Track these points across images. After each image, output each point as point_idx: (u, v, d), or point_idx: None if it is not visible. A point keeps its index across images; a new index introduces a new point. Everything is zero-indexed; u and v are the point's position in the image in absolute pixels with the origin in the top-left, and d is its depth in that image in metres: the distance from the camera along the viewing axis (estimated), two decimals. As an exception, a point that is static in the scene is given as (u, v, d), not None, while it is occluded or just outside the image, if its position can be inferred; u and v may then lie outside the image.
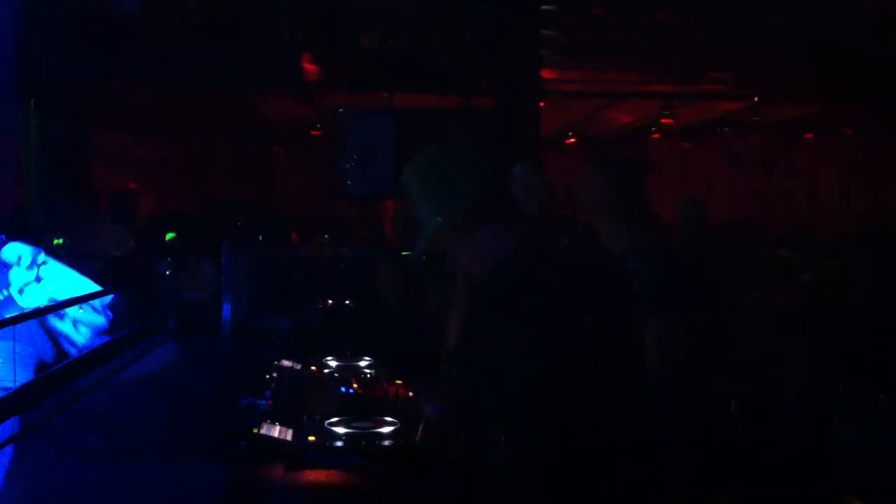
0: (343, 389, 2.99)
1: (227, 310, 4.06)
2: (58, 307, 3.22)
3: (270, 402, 2.83)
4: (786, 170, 12.05)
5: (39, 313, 2.97)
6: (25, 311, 2.93)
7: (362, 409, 2.71)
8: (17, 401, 1.90)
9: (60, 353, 3.15)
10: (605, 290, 2.11)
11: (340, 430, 2.52)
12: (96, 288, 3.19)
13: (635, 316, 2.37)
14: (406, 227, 7.80)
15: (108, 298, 3.19)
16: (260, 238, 7.11)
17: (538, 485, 2.10)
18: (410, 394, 2.94)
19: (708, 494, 3.38)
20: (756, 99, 9.46)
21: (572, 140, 11.79)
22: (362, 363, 3.47)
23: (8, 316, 2.75)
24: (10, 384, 3.00)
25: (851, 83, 8.59)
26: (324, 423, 2.57)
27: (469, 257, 2.14)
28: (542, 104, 6.91)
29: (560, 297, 2.05)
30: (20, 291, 3.12)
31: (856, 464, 3.05)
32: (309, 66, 6.96)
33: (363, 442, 2.44)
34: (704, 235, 5.57)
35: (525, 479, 2.12)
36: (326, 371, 3.33)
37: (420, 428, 2.44)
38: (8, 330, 2.65)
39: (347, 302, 5.30)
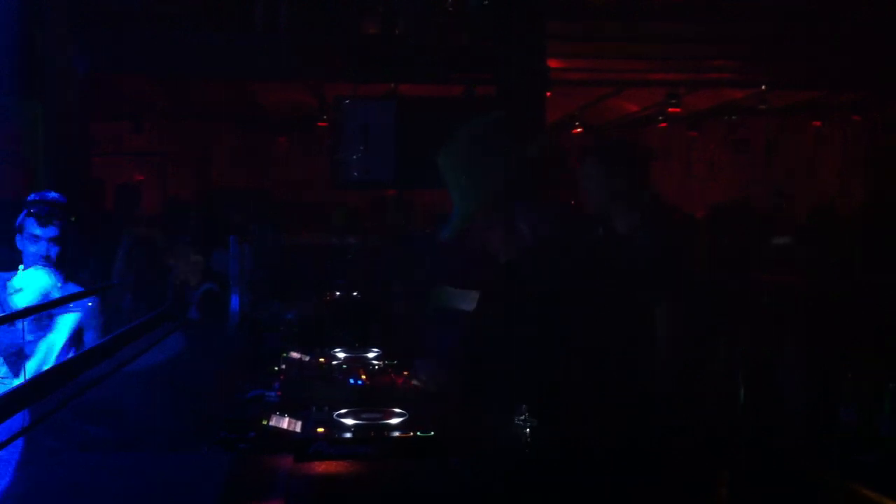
0: (351, 381, 2.99)
1: (234, 301, 4.06)
2: (82, 295, 3.27)
3: (279, 393, 2.83)
4: (792, 156, 12.02)
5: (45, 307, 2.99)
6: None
7: (371, 401, 2.71)
8: (27, 393, 1.90)
9: None
10: (621, 277, 2.11)
11: (349, 421, 2.52)
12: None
13: (645, 304, 2.37)
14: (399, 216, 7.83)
15: None
16: (263, 228, 7.10)
17: (546, 473, 2.10)
18: (418, 384, 2.94)
19: (709, 481, 3.38)
20: (763, 87, 9.42)
21: (579, 130, 11.75)
22: (370, 354, 3.47)
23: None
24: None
25: (857, 68, 8.56)
26: (332, 414, 2.57)
27: (500, 239, 2.17)
28: (548, 94, 6.87)
29: (584, 283, 2.06)
30: None
31: (861, 451, 3.04)
32: (309, 55, 6.94)
33: (372, 433, 2.44)
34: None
35: (534, 467, 2.12)
36: (335, 362, 3.34)
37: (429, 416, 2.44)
38: None
39: (355, 293, 5.30)
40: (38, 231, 3.40)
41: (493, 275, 2.34)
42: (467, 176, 2.17)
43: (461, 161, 2.18)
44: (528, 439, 2.16)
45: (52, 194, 3.55)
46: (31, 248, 3.41)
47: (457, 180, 2.19)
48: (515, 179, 2.13)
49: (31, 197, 3.54)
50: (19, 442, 2.06)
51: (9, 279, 3.44)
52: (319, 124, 11.27)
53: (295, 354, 3.42)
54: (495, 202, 2.15)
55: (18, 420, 1.89)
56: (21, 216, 3.48)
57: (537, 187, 2.19)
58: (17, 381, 3.22)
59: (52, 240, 3.42)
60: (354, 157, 6.59)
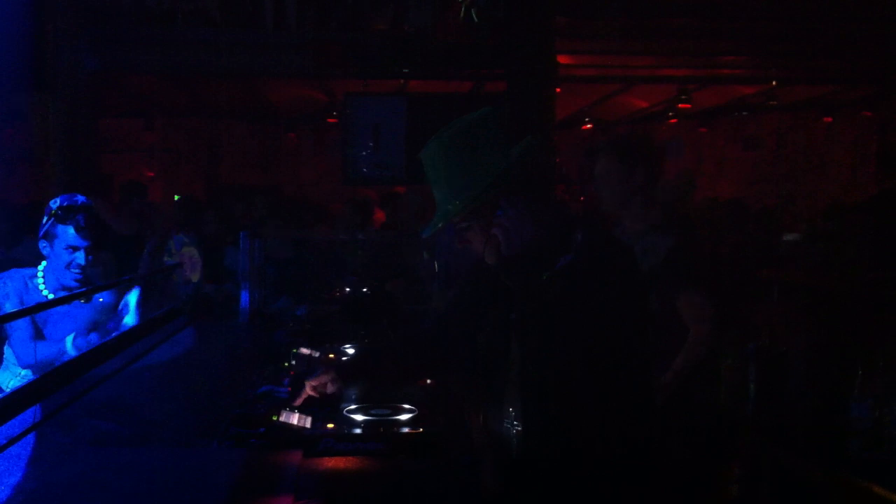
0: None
1: (244, 297, 4.07)
2: (93, 291, 3.23)
3: (289, 389, 2.84)
4: (802, 152, 11.97)
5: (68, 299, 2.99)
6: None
7: (380, 397, 2.71)
8: (37, 389, 1.90)
9: None
10: (619, 284, 2.07)
11: (358, 417, 2.52)
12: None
13: (647, 311, 2.34)
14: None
15: None
16: (272, 224, 7.12)
17: (552, 472, 2.10)
18: (428, 381, 2.94)
19: (711, 481, 3.38)
20: (774, 84, 9.38)
21: (588, 126, 11.73)
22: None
23: None
24: None
25: (867, 63, 8.52)
26: (342, 410, 2.58)
27: (484, 241, 2.11)
28: (557, 90, 6.86)
29: (577, 289, 2.02)
30: None
31: (873, 449, 3.03)
32: (319, 52, 6.94)
33: (381, 429, 2.44)
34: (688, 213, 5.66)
35: (538, 466, 2.12)
36: (344, 358, 3.34)
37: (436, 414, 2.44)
38: None
39: (364, 289, 5.30)
40: (77, 242, 3.16)
41: (483, 276, 2.31)
42: (450, 174, 2.09)
43: (445, 158, 2.10)
44: (520, 442, 2.15)
45: (81, 198, 3.24)
46: (66, 258, 3.17)
47: (438, 178, 2.12)
48: (501, 181, 2.05)
49: (62, 202, 3.22)
50: (31, 437, 2.07)
51: (30, 276, 3.36)
52: (329, 120, 11.27)
53: (305, 350, 3.42)
54: (475, 204, 2.07)
55: (30, 416, 1.90)
56: (49, 222, 3.20)
57: (537, 188, 2.12)
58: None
59: (88, 248, 3.19)
60: (364, 153, 6.61)
